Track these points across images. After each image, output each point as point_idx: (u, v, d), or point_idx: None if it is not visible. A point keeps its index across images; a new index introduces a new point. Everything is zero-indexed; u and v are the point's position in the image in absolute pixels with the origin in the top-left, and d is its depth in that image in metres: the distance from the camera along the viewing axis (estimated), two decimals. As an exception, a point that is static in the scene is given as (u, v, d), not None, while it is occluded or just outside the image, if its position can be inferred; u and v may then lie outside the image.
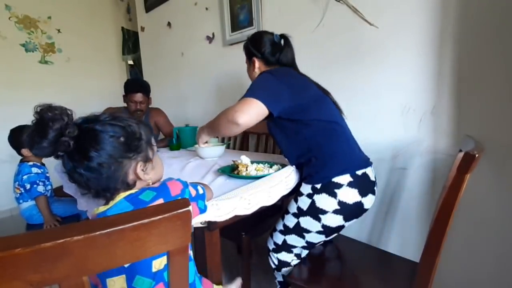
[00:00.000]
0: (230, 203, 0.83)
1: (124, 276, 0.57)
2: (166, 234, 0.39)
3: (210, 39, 2.26)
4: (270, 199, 0.97)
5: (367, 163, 1.05)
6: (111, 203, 0.61)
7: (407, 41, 1.27)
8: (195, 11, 2.34)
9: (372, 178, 1.04)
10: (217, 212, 0.80)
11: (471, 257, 1.20)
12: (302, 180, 1.08)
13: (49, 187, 1.72)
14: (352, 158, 1.04)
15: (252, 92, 1.01)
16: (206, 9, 2.23)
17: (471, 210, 1.15)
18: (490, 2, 1.06)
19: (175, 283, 0.46)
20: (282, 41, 1.24)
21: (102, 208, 0.61)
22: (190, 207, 0.41)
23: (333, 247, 1.16)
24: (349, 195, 0.97)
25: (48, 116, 0.55)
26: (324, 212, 0.98)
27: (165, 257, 0.64)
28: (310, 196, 1.01)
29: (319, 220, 1.00)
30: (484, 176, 1.11)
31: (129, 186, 0.63)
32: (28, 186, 1.59)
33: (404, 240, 1.40)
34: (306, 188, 1.04)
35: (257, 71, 1.24)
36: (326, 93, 1.15)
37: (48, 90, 3.03)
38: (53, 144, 0.54)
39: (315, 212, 1.00)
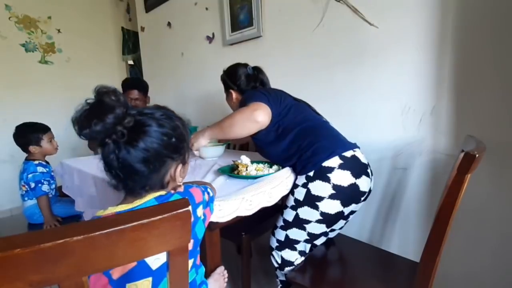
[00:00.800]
0: (232, 204, 0.84)
1: (150, 279, 0.55)
2: (166, 234, 0.39)
3: (210, 39, 2.26)
4: (271, 200, 0.97)
5: (354, 145, 1.08)
6: (138, 202, 0.58)
7: (407, 41, 1.26)
8: (195, 11, 2.34)
9: (363, 160, 1.05)
10: (219, 213, 0.81)
11: (472, 257, 1.20)
12: (297, 174, 1.09)
13: (53, 185, 1.72)
14: (337, 141, 1.07)
15: (253, 99, 1.09)
16: (206, 9, 2.23)
17: (472, 210, 1.15)
18: (489, 3, 1.06)
19: (175, 283, 0.45)
20: (256, 72, 1.35)
21: (124, 207, 0.58)
22: (190, 207, 0.41)
23: (334, 247, 1.16)
24: (342, 178, 0.98)
25: (110, 100, 0.53)
26: (320, 198, 0.99)
27: (193, 259, 0.65)
28: (305, 185, 1.03)
29: (316, 208, 1.00)
30: (484, 176, 1.11)
31: (163, 187, 0.62)
32: (32, 185, 1.59)
33: (404, 240, 1.40)
34: (300, 179, 1.06)
35: (235, 101, 1.35)
36: (298, 100, 1.23)
37: (48, 90, 3.04)
38: (107, 130, 0.52)
39: (311, 200, 1.01)
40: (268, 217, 1.39)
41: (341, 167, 0.99)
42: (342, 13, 1.46)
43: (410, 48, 1.26)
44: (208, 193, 0.72)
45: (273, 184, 0.98)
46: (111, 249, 0.35)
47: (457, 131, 1.18)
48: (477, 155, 0.59)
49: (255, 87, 1.33)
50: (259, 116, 1.03)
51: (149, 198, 0.59)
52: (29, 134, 1.62)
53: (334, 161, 0.99)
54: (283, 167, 1.12)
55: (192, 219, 0.62)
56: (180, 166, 0.63)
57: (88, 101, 0.54)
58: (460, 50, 1.15)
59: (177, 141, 0.60)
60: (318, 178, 1.00)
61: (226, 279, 0.93)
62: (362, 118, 1.46)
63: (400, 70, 1.30)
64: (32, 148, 1.62)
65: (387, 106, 1.36)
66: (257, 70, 1.37)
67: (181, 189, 0.65)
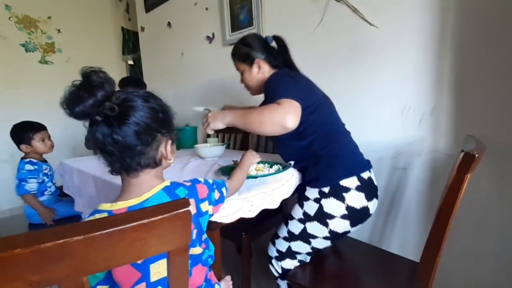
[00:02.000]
0: (234, 204, 0.85)
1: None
2: (166, 234, 0.39)
3: (210, 39, 2.26)
4: (273, 201, 0.97)
5: (369, 165, 1.04)
6: (147, 195, 0.60)
7: (407, 41, 1.26)
8: (195, 11, 2.34)
9: (375, 182, 1.04)
10: (222, 213, 0.81)
11: (472, 257, 1.20)
12: (307, 183, 1.04)
13: (49, 183, 1.71)
14: (356, 159, 1.03)
15: (284, 93, 0.96)
16: (206, 9, 2.23)
17: (472, 210, 1.15)
18: (489, 3, 1.06)
19: (175, 283, 0.45)
20: (279, 43, 1.18)
21: (134, 201, 0.59)
22: (190, 207, 0.41)
23: (334, 247, 1.16)
24: (357, 200, 0.96)
25: (98, 77, 0.55)
26: (332, 217, 0.97)
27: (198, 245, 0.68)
28: (317, 200, 0.99)
29: (326, 225, 0.98)
30: (484, 176, 1.11)
31: (156, 164, 0.63)
32: (16, 182, 1.58)
33: (404, 240, 1.40)
34: (312, 192, 1.01)
35: (262, 74, 1.15)
36: (326, 97, 1.12)
37: (48, 90, 3.03)
38: (99, 105, 0.54)
39: (322, 217, 0.98)
40: (268, 217, 1.39)
41: (357, 188, 0.96)
42: (342, 13, 1.46)
43: (410, 48, 1.26)
44: (221, 193, 0.75)
45: (275, 186, 0.98)
46: (111, 249, 0.35)
47: (457, 131, 1.18)
48: (476, 155, 0.59)
49: (283, 60, 1.17)
50: (290, 122, 0.91)
51: (157, 189, 0.62)
52: (21, 133, 1.62)
53: (351, 182, 0.96)
54: (286, 167, 1.10)
55: (195, 211, 0.65)
56: (169, 142, 0.65)
57: (75, 82, 0.55)
58: (460, 50, 1.14)
59: (164, 115, 0.62)
60: (333, 196, 0.96)
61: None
62: (362, 118, 1.46)
63: (400, 70, 1.30)
64: (23, 147, 1.62)
65: (387, 106, 1.36)
66: (277, 39, 1.17)
67: (188, 183, 0.68)
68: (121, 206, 0.58)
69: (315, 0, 1.56)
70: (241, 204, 0.87)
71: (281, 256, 1.07)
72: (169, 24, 2.63)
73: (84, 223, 0.34)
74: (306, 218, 1.01)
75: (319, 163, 1.00)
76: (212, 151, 1.44)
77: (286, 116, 0.91)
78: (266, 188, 0.95)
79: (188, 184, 0.68)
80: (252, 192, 0.90)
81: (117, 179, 1.14)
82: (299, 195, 1.08)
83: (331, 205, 0.97)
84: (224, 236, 1.18)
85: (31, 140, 1.63)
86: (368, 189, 0.99)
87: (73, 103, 0.53)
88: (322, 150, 1.01)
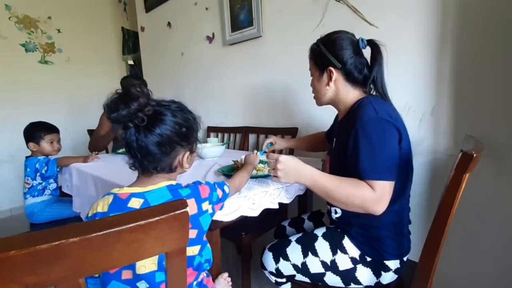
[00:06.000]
0: (234, 202, 0.85)
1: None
2: (164, 235, 0.39)
3: (210, 39, 2.26)
4: (275, 201, 0.97)
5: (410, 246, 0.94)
6: (151, 187, 0.66)
7: (407, 41, 1.26)
8: (195, 11, 2.34)
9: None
10: (223, 211, 0.82)
11: (472, 257, 1.19)
12: (345, 230, 0.93)
13: (54, 185, 1.71)
14: (408, 240, 0.93)
15: (383, 170, 0.77)
16: (206, 9, 2.23)
17: (471, 210, 1.15)
18: (490, 2, 1.06)
19: (173, 284, 0.45)
20: (371, 50, 0.92)
21: (138, 189, 0.65)
22: (188, 209, 0.41)
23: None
24: (389, 279, 0.89)
25: (135, 91, 0.63)
26: (358, 283, 0.89)
27: (200, 245, 0.70)
28: (354, 261, 0.89)
29: (347, 283, 0.90)
30: (484, 175, 1.11)
31: (171, 170, 0.70)
32: (46, 168, 1.61)
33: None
34: (352, 249, 0.90)
35: (334, 89, 0.93)
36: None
37: (48, 90, 3.04)
38: (131, 115, 0.62)
39: (350, 278, 0.89)
40: (268, 217, 1.38)
41: (396, 271, 0.88)
42: (342, 13, 1.45)
43: (410, 47, 1.26)
44: (224, 191, 0.78)
45: (276, 186, 0.98)
46: (108, 250, 0.35)
47: (457, 131, 1.18)
48: (474, 155, 0.59)
49: (369, 80, 0.91)
50: (380, 211, 0.78)
51: (162, 185, 0.67)
52: (33, 132, 1.64)
53: (394, 264, 0.88)
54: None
55: (196, 211, 0.68)
56: (187, 154, 0.71)
57: (118, 91, 0.64)
58: (460, 50, 1.14)
59: (187, 130, 0.69)
60: (371, 268, 0.88)
61: (230, 284, 0.94)
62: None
63: (400, 69, 1.30)
64: (31, 145, 1.64)
65: (387, 106, 1.36)
66: (374, 45, 0.91)
67: (191, 184, 0.72)
68: (125, 191, 0.65)
69: (315, 0, 1.56)
70: (241, 202, 0.87)
71: (279, 275, 0.99)
72: (169, 24, 2.63)
73: (80, 225, 0.34)
74: (332, 267, 0.90)
75: (370, 231, 0.88)
76: (212, 151, 1.44)
77: (378, 207, 0.77)
78: (267, 188, 0.95)
79: (191, 184, 0.72)
80: (253, 191, 0.91)
81: (117, 179, 1.14)
82: (331, 233, 0.95)
83: (365, 275, 0.88)
84: (224, 236, 1.18)
85: (41, 140, 1.65)
86: (403, 272, 0.92)
87: (111, 110, 0.62)
88: (387, 220, 0.86)
